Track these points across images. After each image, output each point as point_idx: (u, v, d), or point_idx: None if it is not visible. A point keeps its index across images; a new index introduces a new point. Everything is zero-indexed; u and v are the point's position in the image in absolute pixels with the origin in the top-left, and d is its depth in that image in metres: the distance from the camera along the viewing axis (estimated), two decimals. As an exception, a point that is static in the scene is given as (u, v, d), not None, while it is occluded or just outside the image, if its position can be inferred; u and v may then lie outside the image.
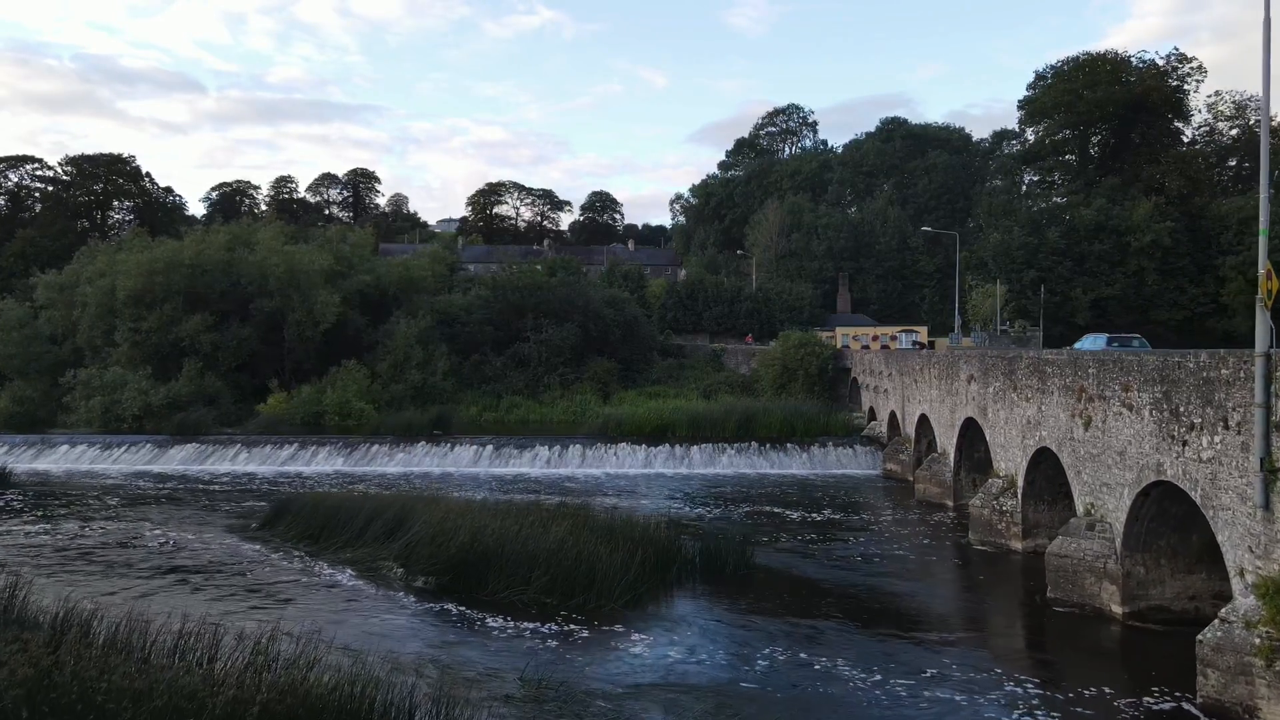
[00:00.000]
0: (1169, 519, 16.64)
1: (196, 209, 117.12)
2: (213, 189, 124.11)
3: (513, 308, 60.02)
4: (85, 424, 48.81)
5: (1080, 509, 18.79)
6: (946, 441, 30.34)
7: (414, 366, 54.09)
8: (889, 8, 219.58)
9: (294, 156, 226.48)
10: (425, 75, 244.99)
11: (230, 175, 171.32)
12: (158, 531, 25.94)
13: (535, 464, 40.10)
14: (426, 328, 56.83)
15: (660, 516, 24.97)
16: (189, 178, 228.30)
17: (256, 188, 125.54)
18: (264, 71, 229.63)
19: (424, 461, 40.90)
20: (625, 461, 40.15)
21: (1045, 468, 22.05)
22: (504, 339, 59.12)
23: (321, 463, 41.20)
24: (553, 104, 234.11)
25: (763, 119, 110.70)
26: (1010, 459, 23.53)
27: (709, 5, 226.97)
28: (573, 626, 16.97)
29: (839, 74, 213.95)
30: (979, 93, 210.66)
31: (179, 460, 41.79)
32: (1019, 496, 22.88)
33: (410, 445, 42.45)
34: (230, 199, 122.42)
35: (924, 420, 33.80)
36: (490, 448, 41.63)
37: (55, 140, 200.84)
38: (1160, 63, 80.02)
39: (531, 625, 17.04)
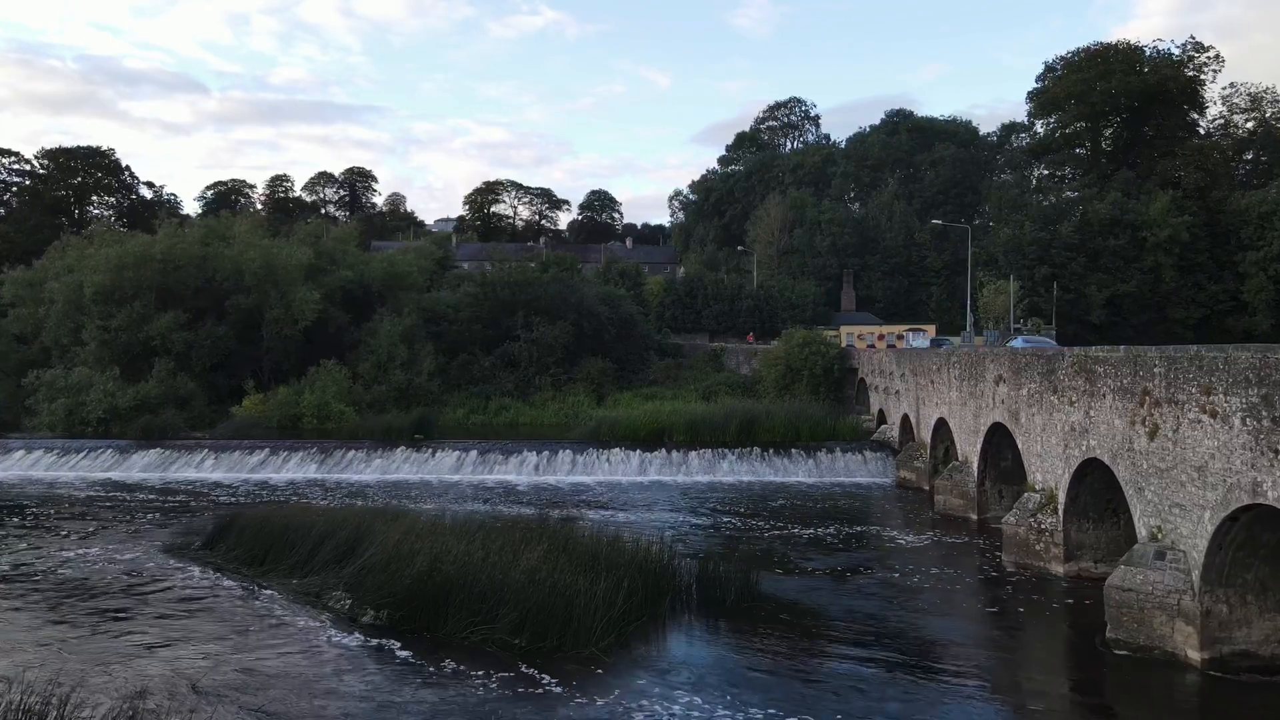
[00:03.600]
0: (1258, 548, 13.91)
1: (194, 209, 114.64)
2: (208, 188, 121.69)
3: (503, 305, 57.21)
4: (49, 427, 46.09)
5: (1143, 532, 16.01)
6: (969, 449, 27.58)
7: (398, 366, 51.32)
8: (892, 8, 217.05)
9: (296, 157, 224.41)
10: (428, 76, 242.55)
11: (232, 176, 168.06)
12: (89, 551, 23.18)
13: (522, 471, 37.31)
14: (412, 326, 54.05)
15: (654, 534, 22.25)
16: (191, 178, 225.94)
17: (252, 186, 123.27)
18: (267, 72, 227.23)
19: (402, 468, 38.11)
20: (618, 468, 37.36)
21: (1092, 481, 19.30)
22: (493, 338, 56.31)
23: (293, 469, 38.42)
24: (555, 104, 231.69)
25: (764, 112, 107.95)
26: (1049, 470, 20.76)
27: (712, 6, 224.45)
28: (544, 675, 14.19)
29: (842, 75, 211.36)
30: (982, 93, 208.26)
31: (140, 467, 39.03)
32: (1060, 513, 20.11)
33: (389, 450, 39.66)
34: (226, 198, 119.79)
35: (942, 425, 31.04)
36: (474, 453, 38.83)
37: (57, 142, 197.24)
38: (1176, 53, 77.39)
39: (494, 673, 14.27)
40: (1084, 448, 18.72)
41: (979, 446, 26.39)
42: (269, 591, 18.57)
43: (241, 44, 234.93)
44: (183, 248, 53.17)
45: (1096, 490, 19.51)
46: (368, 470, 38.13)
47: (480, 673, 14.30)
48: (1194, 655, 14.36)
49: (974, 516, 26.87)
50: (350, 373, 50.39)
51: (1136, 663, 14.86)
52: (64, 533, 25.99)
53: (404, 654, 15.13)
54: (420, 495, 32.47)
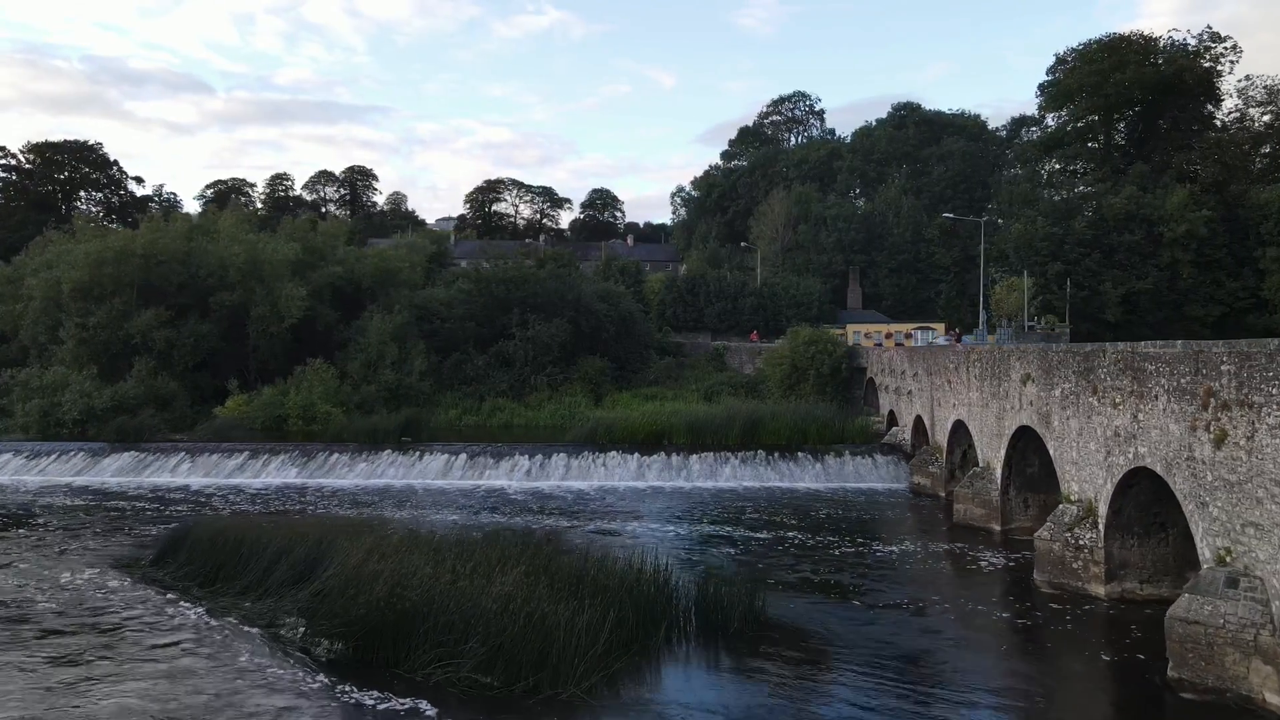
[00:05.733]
0: (1353, 576, 11.88)
1: (194, 208, 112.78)
2: (207, 186, 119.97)
3: (498, 302, 55.21)
4: (22, 429, 44.17)
5: (1207, 554, 13.99)
6: (991, 454, 25.55)
7: (388, 366, 49.35)
8: (897, 7, 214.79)
9: (300, 158, 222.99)
10: (433, 76, 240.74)
11: (233, 176, 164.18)
12: (29, 565, 21.21)
13: (513, 476, 35.31)
14: (403, 324, 52.06)
15: (649, 548, 20.24)
16: (196, 179, 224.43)
17: (252, 185, 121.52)
18: (272, 72, 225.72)
19: (387, 472, 36.13)
20: (615, 473, 35.34)
21: (1138, 492, 17.28)
22: (488, 336, 54.31)
23: (273, 474, 36.45)
24: (560, 104, 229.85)
25: (767, 107, 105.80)
26: (1088, 480, 18.72)
27: (717, 6, 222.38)
28: (517, 723, 12.22)
29: (847, 74, 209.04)
30: (988, 93, 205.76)
31: (112, 471, 37.06)
32: (1100, 528, 18.07)
33: (374, 454, 37.68)
34: (226, 197, 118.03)
35: (960, 427, 29.03)
36: (463, 457, 36.85)
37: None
38: (1192, 43, 75.12)
39: (461, 719, 12.29)
40: (1130, 455, 16.69)
41: (1003, 452, 24.37)
42: (215, 616, 16.57)
43: (247, 44, 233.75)
44: (165, 243, 51.27)
45: (1142, 502, 17.51)
46: (351, 474, 36.18)
47: (445, 718, 12.31)
48: (1274, 700, 12.34)
49: (996, 527, 24.84)
50: (339, 372, 48.50)
51: (1205, 706, 12.83)
52: (10, 543, 24.03)
53: (358, 694, 13.14)
54: (402, 502, 30.49)
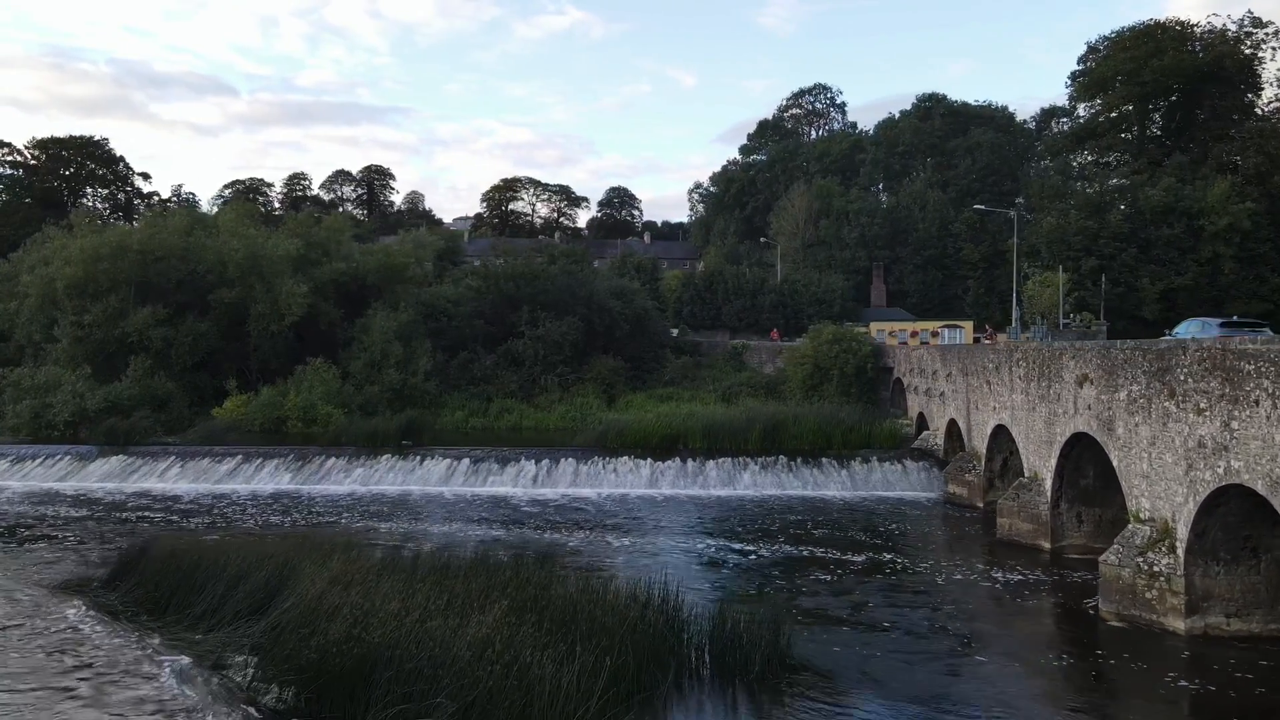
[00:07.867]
0: None
1: (213, 209, 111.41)
2: (225, 186, 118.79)
3: (506, 300, 53.08)
4: (13, 431, 42.51)
5: (1330, 593, 11.57)
6: (1039, 463, 23.10)
7: (392, 365, 47.30)
8: (918, 5, 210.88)
9: (322, 158, 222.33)
10: (454, 76, 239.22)
11: (251, 176, 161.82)
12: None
13: (518, 482, 33.17)
14: (408, 322, 50.03)
15: (658, 569, 17.98)
16: (219, 181, 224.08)
17: (270, 185, 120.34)
18: (295, 74, 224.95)
19: (385, 478, 34.09)
20: (626, 480, 33.14)
21: (1227, 513, 14.85)
22: (496, 335, 52.22)
23: (265, 480, 34.50)
24: (580, 105, 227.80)
25: (787, 100, 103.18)
26: (1162, 496, 16.29)
27: (738, 5, 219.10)
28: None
29: (868, 73, 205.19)
30: (1010, 90, 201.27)
31: (97, 476, 35.22)
32: (1179, 553, 15.64)
33: (373, 458, 35.66)
34: (243, 197, 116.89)
35: (1000, 432, 26.60)
36: (466, 462, 34.77)
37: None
38: (1232, 29, 71.98)
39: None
40: (1220, 470, 14.27)
41: (1053, 461, 21.93)
42: (157, 650, 14.45)
43: (270, 46, 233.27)
44: (162, 238, 49.51)
45: (1230, 524, 15.08)
46: (348, 480, 34.15)
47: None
48: None
49: (1046, 545, 22.39)
50: (341, 372, 46.60)
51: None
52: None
53: (303, 758, 10.99)
54: (397, 512, 28.39)
